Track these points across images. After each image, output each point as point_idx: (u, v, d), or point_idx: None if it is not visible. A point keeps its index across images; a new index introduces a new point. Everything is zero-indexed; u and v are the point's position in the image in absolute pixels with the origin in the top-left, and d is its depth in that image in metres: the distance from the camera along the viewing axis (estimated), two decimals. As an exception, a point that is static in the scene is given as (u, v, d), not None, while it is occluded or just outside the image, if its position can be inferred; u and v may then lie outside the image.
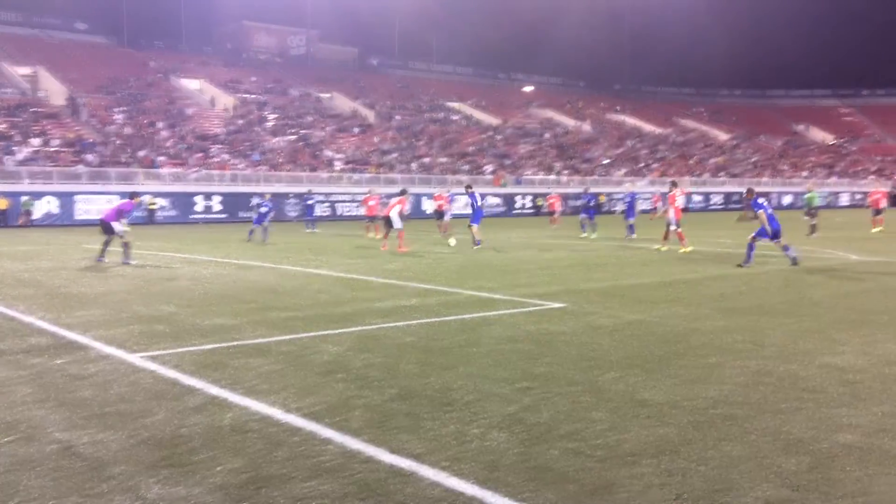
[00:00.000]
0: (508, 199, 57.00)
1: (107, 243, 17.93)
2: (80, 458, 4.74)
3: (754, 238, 16.62)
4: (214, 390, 6.34)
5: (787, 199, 69.85)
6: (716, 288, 13.12)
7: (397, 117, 71.17)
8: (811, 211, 29.58)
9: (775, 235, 16.56)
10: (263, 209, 27.50)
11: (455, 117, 76.10)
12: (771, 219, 16.57)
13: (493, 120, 76.81)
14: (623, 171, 69.01)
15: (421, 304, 11.24)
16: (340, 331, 9.05)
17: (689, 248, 20.64)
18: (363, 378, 6.71)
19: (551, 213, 38.21)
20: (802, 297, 12.06)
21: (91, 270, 16.36)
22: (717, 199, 68.46)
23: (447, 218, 29.11)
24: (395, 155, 61.14)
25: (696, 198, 65.48)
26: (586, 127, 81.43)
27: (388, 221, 22.28)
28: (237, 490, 4.23)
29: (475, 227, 23.03)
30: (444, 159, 62.71)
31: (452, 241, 23.56)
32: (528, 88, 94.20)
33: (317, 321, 9.75)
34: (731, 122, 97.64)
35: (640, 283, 13.77)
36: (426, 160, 61.57)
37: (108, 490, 4.23)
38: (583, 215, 29.35)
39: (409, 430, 5.26)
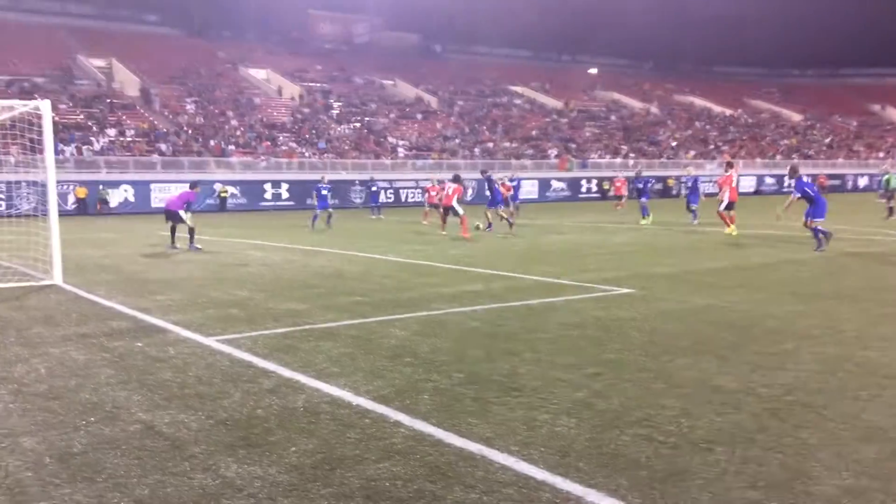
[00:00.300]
0: (574, 184, 56.47)
1: (174, 230, 18.49)
2: (162, 438, 4.92)
3: (810, 220, 16.15)
4: (287, 373, 6.49)
5: (862, 182, 67.39)
6: (790, 272, 12.78)
7: (460, 102, 71.08)
8: (888, 193, 28.48)
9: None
10: (325, 191, 27.62)
11: (518, 101, 75.61)
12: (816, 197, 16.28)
13: (556, 103, 76.04)
14: (692, 153, 67.55)
15: (485, 289, 11.26)
16: (406, 315, 9.15)
17: (734, 232, 20.13)
18: (430, 362, 6.78)
19: (617, 198, 37.47)
20: (880, 281, 11.66)
21: (167, 256, 16.87)
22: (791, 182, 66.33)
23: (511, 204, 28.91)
24: (457, 140, 61.14)
25: (769, 180, 63.70)
26: (653, 109, 79.93)
27: (447, 210, 22.36)
28: (311, 470, 4.34)
29: (491, 210, 23.81)
30: (507, 144, 62.43)
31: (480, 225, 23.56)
32: (593, 70, 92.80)
33: (383, 306, 9.87)
34: (803, 102, 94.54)
35: (711, 268, 13.51)
36: (489, 145, 61.39)
37: (189, 469, 4.38)
38: (643, 199, 27.91)
39: (478, 414, 5.30)
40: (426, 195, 31.11)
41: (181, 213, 18.18)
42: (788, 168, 18.17)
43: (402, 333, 8.05)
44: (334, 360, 6.94)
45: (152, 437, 4.94)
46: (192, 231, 18.16)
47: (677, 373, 6.38)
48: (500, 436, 4.85)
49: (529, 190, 54.88)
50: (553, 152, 61.88)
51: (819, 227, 16.09)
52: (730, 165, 22.07)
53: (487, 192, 24.20)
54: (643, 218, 26.70)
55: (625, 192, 37.27)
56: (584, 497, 3.97)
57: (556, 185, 55.89)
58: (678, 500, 3.94)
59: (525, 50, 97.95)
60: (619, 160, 61.55)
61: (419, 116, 65.54)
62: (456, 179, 23.60)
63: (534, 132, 66.69)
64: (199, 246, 17.98)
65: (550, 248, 17.72)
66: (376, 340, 7.74)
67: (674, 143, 70.47)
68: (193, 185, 19.47)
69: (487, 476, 4.22)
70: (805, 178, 16.53)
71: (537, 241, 19.90)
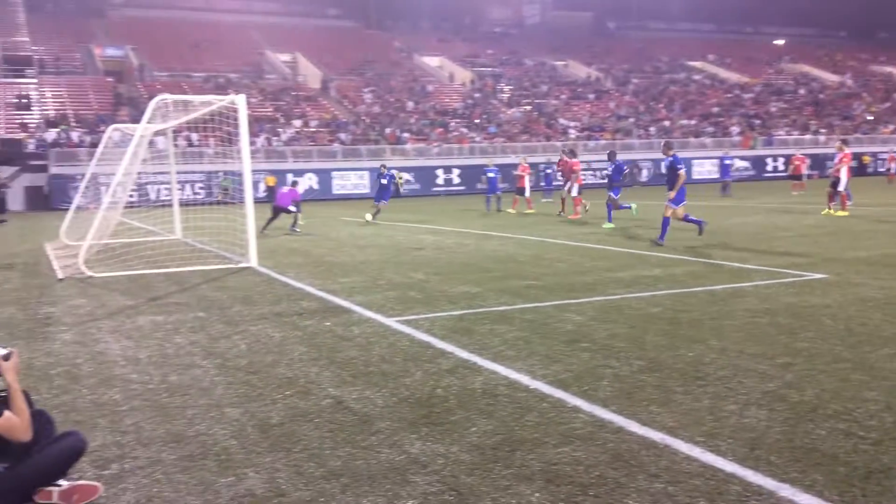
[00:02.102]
0: (758, 162, 53.44)
1: (272, 220, 20.44)
2: (351, 413, 5.17)
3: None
4: (464, 354, 6.62)
5: None
6: None
7: (634, 80, 69.07)
8: None
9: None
10: (491, 174, 27.72)
11: (697, 77, 72.40)
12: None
13: (739, 78, 72.11)
14: (890, 127, 61.90)
15: (665, 273, 10.92)
16: (582, 300, 9.05)
17: (846, 213, 19.66)
18: (609, 348, 6.67)
19: (796, 178, 34.12)
20: None
21: (349, 240, 17.67)
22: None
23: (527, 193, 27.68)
24: (631, 120, 59.52)
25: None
26: (847, 81, 73.91)
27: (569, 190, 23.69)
28: (491, 451, 4.40)
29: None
30: (685, 122, 60.03)
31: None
32: (779, 42, 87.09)
33: (557, 290, 9.82)
34: None
35: (917, 252, 12.36)
36: (666, 123, 59.29)
37: (376, 443, 4.58)
38: (613, 194, 20.43)
39: (660, 402, 5.16)
40: (518, 179, 28.08)
41: (289, 207, 20.47)
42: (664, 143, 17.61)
43: (577, 318, 7.98)
44: (510, 343, 7.00)
45: (342, 411, 5.20)
46: (295, 217, 20.54)
47: (880, 364, 5.90)
48: (684, 425, 4.70)
49: (710, 169, 52.62)
50: (735, 129, 58.79)
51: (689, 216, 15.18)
52: (845, 143, 21.98)
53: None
54: (608, 222, 19.70)
55: (804, 170, 34.50)
56: (777, 492, 3.77)
57: (738, 163, 53.11)
58: (881, 500, 3.65)
59: (705, 23, 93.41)
60: (808, 136, 57.53)
61: (591, 96, 64.39)
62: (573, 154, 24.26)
63: (714, 108, 63.65)
64: (298, 230, 20.19)
65: (735, 231, 16.90)
66: (552, 325, 7.71)
67: (869, 117, 64.86)
68: (294, 182, 22.39)
69: (672, 466, 4.10)
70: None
71: (721, 223, 19.02)
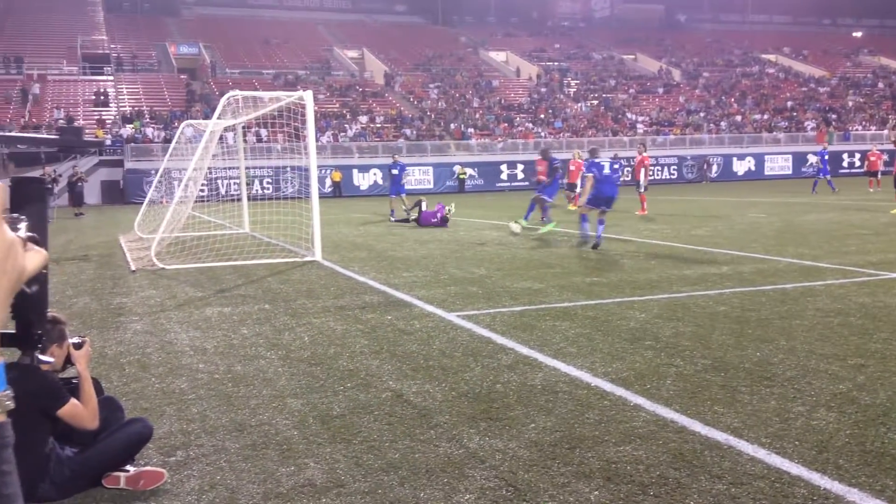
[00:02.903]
0: (834, 158, 51.64)
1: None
2: (410, 406, 5.20)
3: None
4: (525, 350, 6.58)
5: None
6: None
7: (705, 74, 67.63)
8: None
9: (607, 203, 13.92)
10: (395, 171, 25.77)
11: (771, 70, 70.47)
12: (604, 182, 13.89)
13: (815, 71, 69.90)
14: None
15: (733, 272, 10.66)
16: (646, 298, 8.90)
17: None
18: (673, 347, 6.55)
19: (872, 174, 32.38)
20: None
21: (411, 236, 17.77)
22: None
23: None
24: (702, 114, 58.28)
25: None
26: (931, 72, 70.87)
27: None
28: (551, 448, 4.37)
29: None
30: (757, 116, 58.49)
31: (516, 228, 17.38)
32: (858, 34, 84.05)
33: (621, 287, 9.68)
34: None
35: None
36: (737, 118, 57.88)
37: (434, 437, 4.60)
38: (543, 196, 18.91)
39: (725, 402, 5.04)
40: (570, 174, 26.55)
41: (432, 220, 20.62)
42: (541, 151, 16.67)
43: (641, 316, 7.85)
44: (571, 340, 6.93)
45: (402, 404, 5.24)
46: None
47: (961, 369, 5.65)
48: (749, 426, 4.58)
49: (782, 165, 51.20)
50: (810, 124, 57.02)
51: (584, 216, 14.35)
52: None
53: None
54: (544, 224, 18.07)
55: (880, 166, 32.89)
56: (845, 496, 3.64)
57: (812, 159, 51.52)
58: (961, 512, 3.50)
59: (780, 15, 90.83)
60: (886, 132, 55.36)
61: (660, 90, 63.30)
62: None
63: (788, 103, 61.85)
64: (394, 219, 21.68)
65: (807, 228, 16.39)
66: (614, 322, 7.61)
67: (954, 111, 62.09)
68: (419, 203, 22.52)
69: (735, 467, 4.01)
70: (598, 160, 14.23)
71: (792, 220, 18.49)
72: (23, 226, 0.79)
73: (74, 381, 4.04)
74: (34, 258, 0.75)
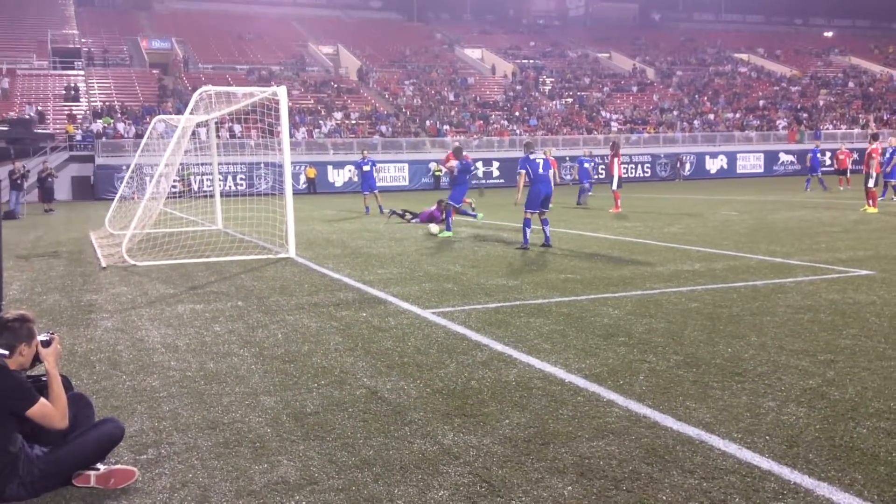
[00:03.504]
0: (804, 156, 52.32)
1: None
2: (385, 403, 5.19)
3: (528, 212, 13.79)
4: (499, 347, 6.60)
5: None
6: None
7: (679, 73, 68.17)
8: None
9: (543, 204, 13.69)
10: (367, 167, 25.17)
11: (743, 69, 71.20)
12: (538, 181, 13.56)
13: (786, 70, 70.74)
14: (945, 121, 60.17)
15: (706, 268, 10.76)
16: (620, 294, 8.96)
17: (874, 210, 19.45)
18: (646, 343, 6.60)
19: (841, 172, 32.78)
20: None
21: (386, 232, 17.73)
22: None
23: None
24: (675, 113, 58.75)
25: None
26: (899, 73, 71.98)
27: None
28: (524, 443, 4.38)
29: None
30: (730, 115, 59.07)
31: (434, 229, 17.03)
32: (829, 34, 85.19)
33: (594, 283, 9.74)
34: None
35: (969, 249, 12.00)
36: (710, 116, 58.42)
37: (409, 434, 4.59)
38: (448, 209, 17.21)
39: (697, 398, 5.09)
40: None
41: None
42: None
43: (615, 312, 7.90)
44: (545, 336, 6.96)
45: (376, 401, 5.22)
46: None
47: (927, 364, 5.75)
48: (721, 421, 4.62)
49: (754, 164, 51.75)
50: (782, 123, 57.70)
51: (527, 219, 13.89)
52: (874, 138, 21.33)
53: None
54: (444, 230, 16.74)
55: (849, 164, 33.28)
56: (814, 490, 3.69)
57: (784, 157, 52.22)
58: (927, 505, 3.56)
59: (754, 14, 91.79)
60: (856, 130, 56.21)
61: (634, 89, 63.71)
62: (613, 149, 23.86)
63: (760, 101, 62.54)
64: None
65: (778, 226, 16.59)
66: (588, 318, 7.65)
67: (923, 110, 63.14)
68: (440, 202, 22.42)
69: (707, 462, 4.04)
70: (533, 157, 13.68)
71: (764, 218, 18.71)
72: None
73: (43, 378, 3.98)
74: None
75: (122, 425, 4.23)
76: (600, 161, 42.58)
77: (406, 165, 45.27)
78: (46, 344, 4.02)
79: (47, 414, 3.78)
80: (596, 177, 32.63)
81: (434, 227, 16.98)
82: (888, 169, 22.60)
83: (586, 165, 26.86)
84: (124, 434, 4.24)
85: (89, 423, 4.17)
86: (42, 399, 3.78)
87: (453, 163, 17.36)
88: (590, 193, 26.98)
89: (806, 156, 29.34)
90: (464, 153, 17.48)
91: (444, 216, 17.08)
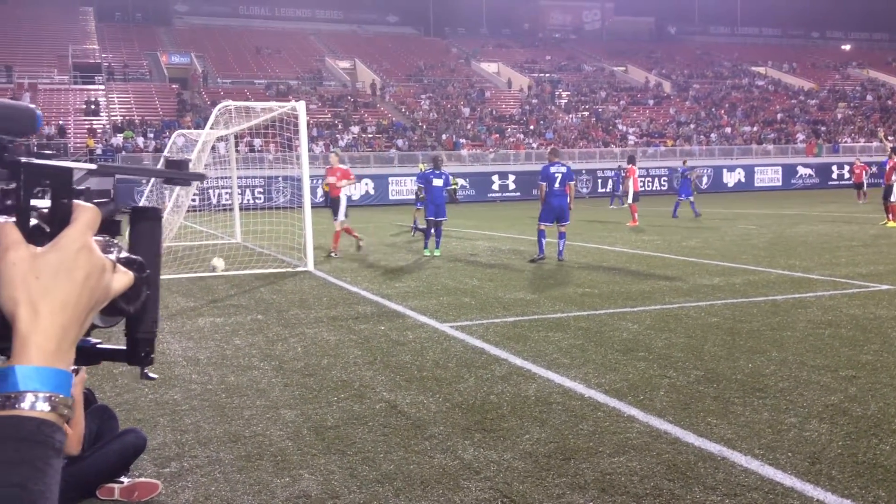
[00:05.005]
0: (823, 170, 52.08)
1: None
2: (405, 417, 5.20)
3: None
4: (518, 361, 6.60)
5: None
6: None
7: (695, 86, 68.02)
8: None
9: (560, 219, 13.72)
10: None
11: (760, 83, 70.96)
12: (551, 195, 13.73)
13: (804, 83, 70.42)
14: (966, 133, 59.63)
15: (725, 283, 10.72)
16: (639, 309, 8.94)
17: (894, 224, 19.38)
18: (666, 358, 6.58)
19: (858, 186, 32.30)
20: None
21: (403, 245, 17.77)
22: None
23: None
24: (692, 126, 58.61)
25: None
26: (918, 85, 71.53)
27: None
28: (545, 459, 4.38)
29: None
30: (747, 128, 58.86)
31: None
32: (846, 47, 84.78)
33: (613, 298, 9.72)
34: None
35: None
36: (727, 130, 58.23)
37: (429, 448, 4.60)
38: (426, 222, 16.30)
39: (718, 414, 5.07)
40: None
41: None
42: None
43: (634, 327, 7.88)
44: (564, 350, 6.95)
45: (396, 415, 5.24)
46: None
47: (951, 381, 5.69)
48: (742, 438, 4.60)
49: (772, 177, 51.47)
50: (800, 136, 57.41)
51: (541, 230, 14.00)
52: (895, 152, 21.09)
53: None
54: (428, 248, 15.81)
55: (864, 178, 32.79)
56: (839, 509, 3.67)
57: (802, 171, 51.89)
58: (953, 524, 3.52)
59: (770, 28, 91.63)
60: (875, 144, 55.78)
61: (651, 102, 63.63)
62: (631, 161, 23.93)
63: (778, 115, 62.28)
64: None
65: (797, 240, 16.49)
66: (607, 333, 7.64)
67: (943, 124, 62.59)
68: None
69: (729, 478, 4.03)
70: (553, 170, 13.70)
71: (783, 232, 18.60)
72: (115, 249, 0.83)
73: None
74: (121, 279, 0.79)
75: (145, 435, 4.27)
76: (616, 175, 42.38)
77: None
78: (75, 371, 4.00)
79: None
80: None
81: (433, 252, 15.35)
82: None
83: (688, 175, 26.33)
84: (146, 444, 4.28)
85: (113, 434, 4.21)
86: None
87: (334, 180, 15.63)
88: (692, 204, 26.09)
89: (752, 172, 26.67)
90: (436, 165, 16.29)
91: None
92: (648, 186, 47.98)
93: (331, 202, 15.82)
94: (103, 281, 0.78)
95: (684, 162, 29.78)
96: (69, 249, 0.75)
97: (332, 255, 14.87)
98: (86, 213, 0.79)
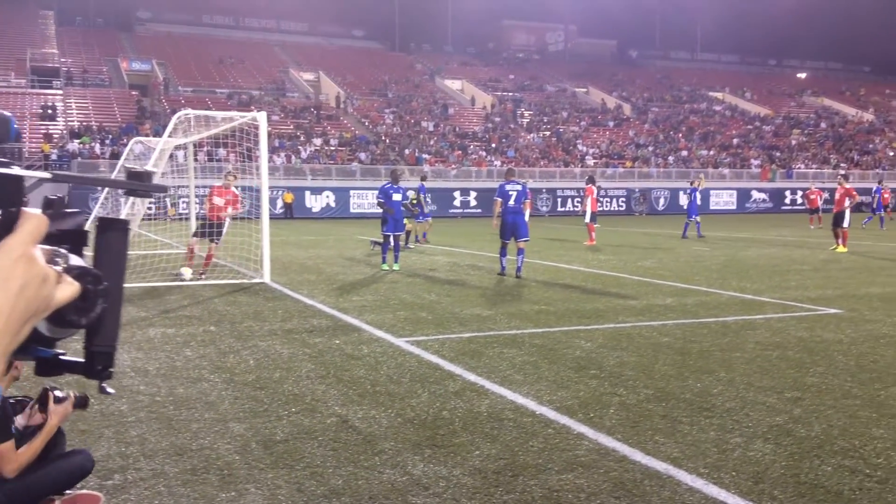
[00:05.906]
0: (777, 194, 53.21)
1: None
2: (356, 432, 5.17)
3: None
4: (472, 377, 6.61)
5: None
6: None
7: (654, 109, 69.18)
8: None
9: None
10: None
11: (718, 108, 72.41)
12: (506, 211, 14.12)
13: (760, 110, 72.04)
14: (914, 163, 61.49)
15: (677, 303, 10.88)
16: (592, 327, 9.03)
17: (843, 249, 19.83)
18: (617, 376, 6.65)
19: (812, 211, 33.16)
20: None
21: (362, 259, 17.72)
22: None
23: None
24: (650, 148, 59.53)
25: None
26: (868, 116, 73.65)
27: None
28: (494, 475, 4.39)
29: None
30: (704, 152, 59.96)
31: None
32: (802, 75, 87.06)
33: (568, 316, 9.80)
34: None
35: (934, 290, 12.24)
36: (684, 153, 59.26)
37: (379, 463, 4.58)
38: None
39: (666, 432, 5.13)
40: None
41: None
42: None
43: (587, 345, 7.95)
44: (518, 367, 6.98)
45: (346, 430, 5.21)
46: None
47: (890, 402, 5.85)
48: (688, 456, 4.67)
49: (727, 200, 52.44)
50: (755, 161, 58.65)
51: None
52: (845, 178, 22.77)
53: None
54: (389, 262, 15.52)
55: (820, 203, 33.65)
56: (780, 529, 3.73)
57: (756, 195, 52.98)
58: (889, 543, 3.61)
59: (729, 55, 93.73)
60: (827, 170, 57.26)
61: (611, 124, 64.51)
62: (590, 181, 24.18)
63: (734, 140, 63.58)
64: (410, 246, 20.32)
65: (749, 263, 16.81)
66: (560, 350, 7.70)
67: (892, 153, 64.50)
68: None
69: (674, 497, 4.08)
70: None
71: (735, 254, 18.94)
72: (62, 260, 0.81)
73: (28, 399, 3.90)
74: (65, 290, 0.78)
75: (93, 458, 4.17)
76: (576, 195, 42.85)
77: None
78: (58, 400, 3.86)
79: (5, 457, 3.58)
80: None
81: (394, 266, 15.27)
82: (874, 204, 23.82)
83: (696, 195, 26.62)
84: (93, 468, 4.18)
85: (60, 450, 4.10)
86: (11, 442, 3.61)
87: (222, 202, 14.53)
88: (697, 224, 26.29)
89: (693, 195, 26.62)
90: (397, 179, 16.36)
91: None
92: (606, 206, 48.51)
93: (210, 225, 14.31)
94: (43, 291, 0.77)
95: (691, 183, 30.45)
96: (7, 258, 0.74)
97: (202, 275, 13.85)
98: (30, 222, 0.78)
